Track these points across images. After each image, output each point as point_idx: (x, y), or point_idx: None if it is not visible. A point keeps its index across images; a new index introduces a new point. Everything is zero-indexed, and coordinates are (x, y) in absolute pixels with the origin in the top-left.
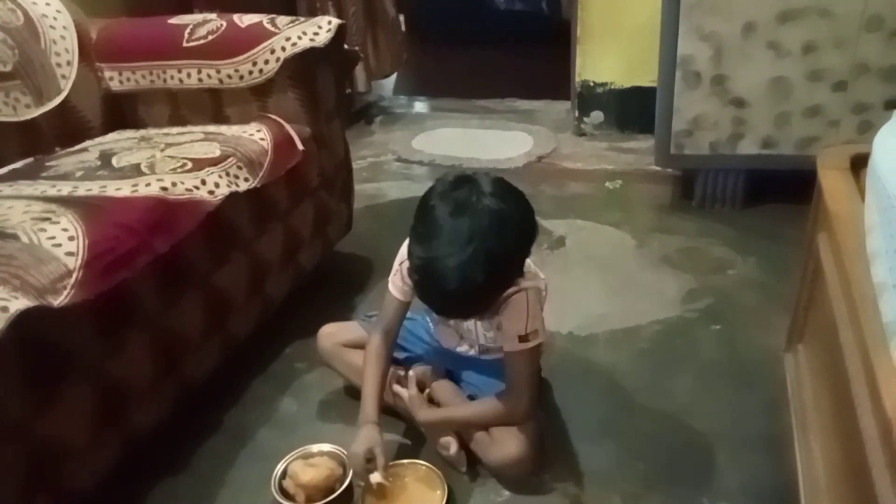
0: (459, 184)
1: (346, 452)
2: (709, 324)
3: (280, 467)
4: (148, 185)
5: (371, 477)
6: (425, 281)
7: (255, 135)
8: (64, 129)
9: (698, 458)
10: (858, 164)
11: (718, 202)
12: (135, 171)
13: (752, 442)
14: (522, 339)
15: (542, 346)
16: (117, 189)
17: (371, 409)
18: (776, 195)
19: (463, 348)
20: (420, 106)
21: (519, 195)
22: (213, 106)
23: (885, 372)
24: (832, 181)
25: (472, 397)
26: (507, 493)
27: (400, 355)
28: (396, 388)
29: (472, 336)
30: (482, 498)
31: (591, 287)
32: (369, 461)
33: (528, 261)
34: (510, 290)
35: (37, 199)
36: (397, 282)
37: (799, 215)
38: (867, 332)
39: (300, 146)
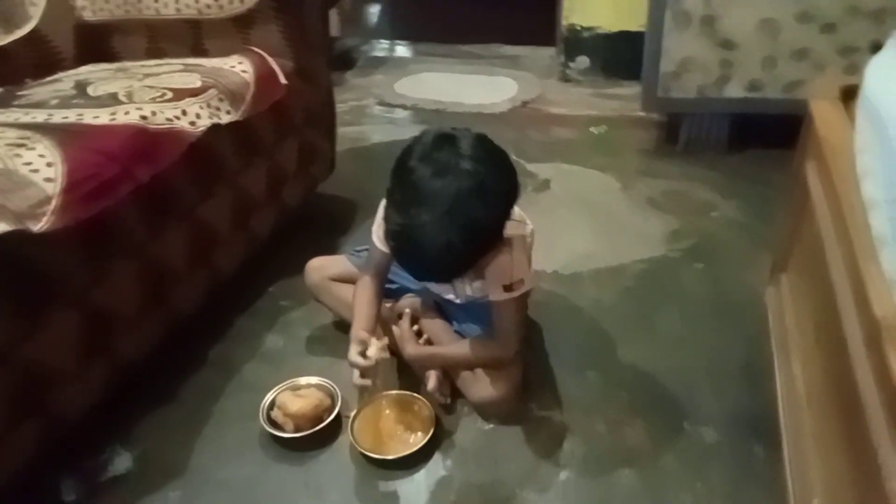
0: (439, 144)
1: (333, 385)
2: (692, 262)
3: (268, 398)
4: (127, 113)
5: (370, 352)
6: (403, 248)
7: (237, 67)
8: (34, 59)
9: (680, 388)
10: (848, 95)
11: (703, 146)
12: (112, 99)
13: (733, 372)
14: (507, 288)
15: (529, 291)
16: (95, 117)
17: (364, 320)
18: (760, 140)
19: (450, 296)
20: (402, 50)
21: (501, 156)
22: (192, 38)
23: (873, 279)
24: (823, 109)
25: (459, 334)
26: (494, 421)
27: (391, 286)
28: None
29: (457, 287)
30: (470, 427)
31: (577, 228)
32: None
33: (517, 210)
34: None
35: (10, 125)
36: (381, 234)
37: (782, 160)
38: (856, 246)
39: (283, 80)
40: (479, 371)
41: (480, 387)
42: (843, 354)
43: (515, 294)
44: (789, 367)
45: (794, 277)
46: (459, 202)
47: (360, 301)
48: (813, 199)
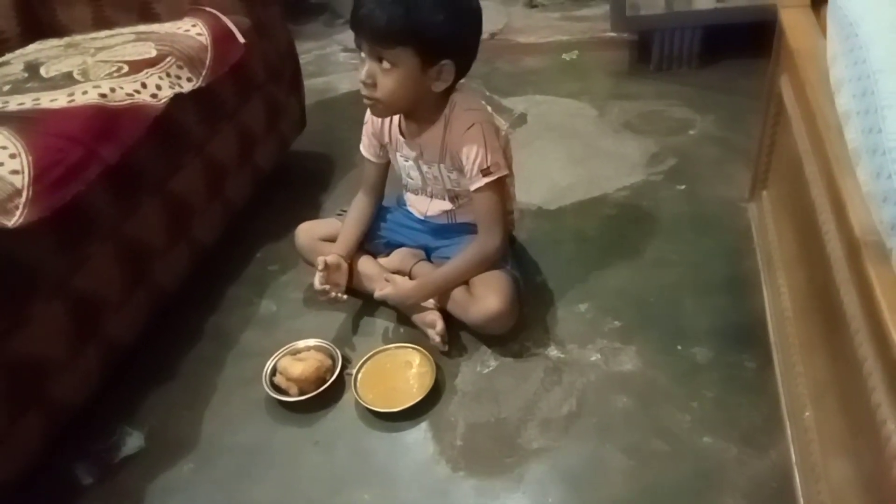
0: None
1: (332, 344)
2: (673, 184)
3: (269, 365)
4: (85, 93)
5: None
6: None
7: (192, 30)
8: None
9: (669, 309)
10: (817, 1)
11: (675, 63)
12: (67, 79)
13: (719, 288)
14: (485, 172)
15: (508, 185)
16: (52, 100)
17: (343, 244)
18: (731, 51)
19: (435, 207)
20: None
21: None
22: (139, 1)
23: (851, 194)
24: (793, 18)
25: None
26: (493, 363)
27: (382, 242)
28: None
29: (439, 185)
30: (469, 371)
31: (556, 160)
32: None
33: (489, 108)
34: (464, 120)
35: None
36: (366, 143)
37: (754, 69)
38: (833, 160)
39: (241, 39)
40: (474, 289)
41: (478, 304)
42: (826, 268)
43: (494, 177)
44: (775, 281)
45: (774, 193)
46: None
47: (348, 219)
48: (788, 113)
